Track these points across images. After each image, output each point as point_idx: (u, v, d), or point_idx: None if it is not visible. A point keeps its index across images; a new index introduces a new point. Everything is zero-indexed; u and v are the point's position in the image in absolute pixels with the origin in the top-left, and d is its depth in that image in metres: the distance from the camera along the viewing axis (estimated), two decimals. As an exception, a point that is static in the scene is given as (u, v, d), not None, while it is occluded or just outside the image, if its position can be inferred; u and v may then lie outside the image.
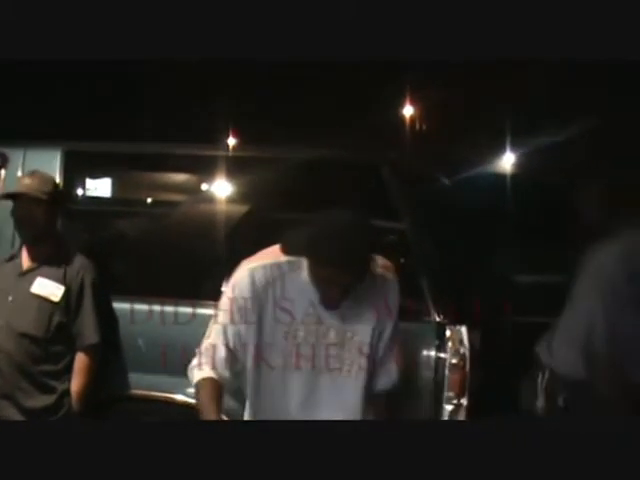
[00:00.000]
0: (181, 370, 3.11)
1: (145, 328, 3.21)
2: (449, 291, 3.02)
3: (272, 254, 2.33)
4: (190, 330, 3.18)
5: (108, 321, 3.15)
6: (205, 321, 3.15)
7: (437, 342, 2.92)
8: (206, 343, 2.33)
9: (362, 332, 2.32)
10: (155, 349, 3.17)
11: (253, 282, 2.26)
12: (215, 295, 3.19)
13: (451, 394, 2.90)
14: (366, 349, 2.33)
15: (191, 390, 3.02)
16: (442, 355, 2.91)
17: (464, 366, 2.91)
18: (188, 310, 3.21)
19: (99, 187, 3.68)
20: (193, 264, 3.26)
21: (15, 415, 2.96)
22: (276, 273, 2.27)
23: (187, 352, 3.13)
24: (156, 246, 3.43)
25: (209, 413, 2.23)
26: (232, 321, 2.28)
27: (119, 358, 3.18)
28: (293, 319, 2.28)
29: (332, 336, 2.30)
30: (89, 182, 3.65)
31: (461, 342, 2.92)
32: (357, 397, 2.34)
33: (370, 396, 2.38)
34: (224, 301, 2.32)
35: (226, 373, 2.30)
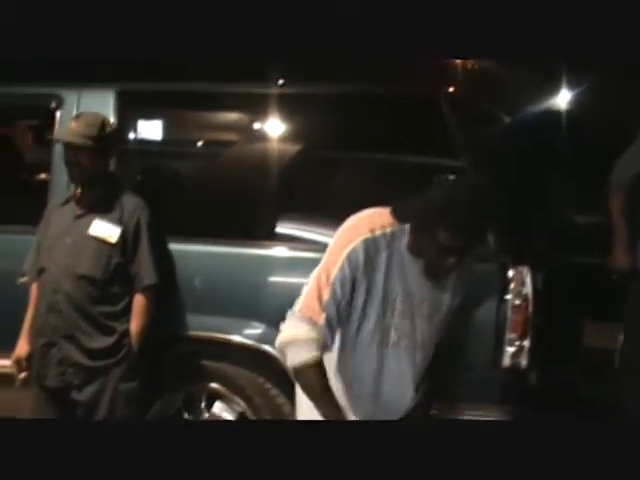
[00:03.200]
0: (236, 311, 3.07)
1: (200, 269, 3.10)
2: (511, 232, 2.87)
3: (379, 220, 2.16)
4: (244, 271, 3.09)
5: (165, 262, 3.04)
6: (260, 261, 3.11)
7: (500, 283, 2.77)
8: (306, 311, 2.12)
9: (447, 306, 2.22)
10: (211, 290, 3.08)
11: (368, 255, 2.10)
12: (269, 235, 3.09)
13: (513, 336, 2.77)
14: (445, 324, 2.24)
15: (248, 331, 3.00)
16: (505, 296, 2.77)
17: (527, 307, 2.76)
18: (242, 250, 3.11)
19: (153, 127, 3.49)
20: (246, 204, 3.11)
21: (77, 356, 2.88)
22: (384, 244, 2.12)
23: (242, 293, 3.08)
24: (210, 186, 3.33)
25: (328, 401, 2.11)
26: (339, 296, 2.11)
27: (176, 299, 3.07)
28: (394, 292, 2.14)
29: (423, 309, 2.19)
30: (142, 122, 3.46)
31: (524, 283, 2.77)
32: (427, 366, 2.26)
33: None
34: (335, 272, 2.11)
35: (324, 351, 2.12)
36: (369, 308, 2.14)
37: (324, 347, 2.11)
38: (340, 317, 2.12)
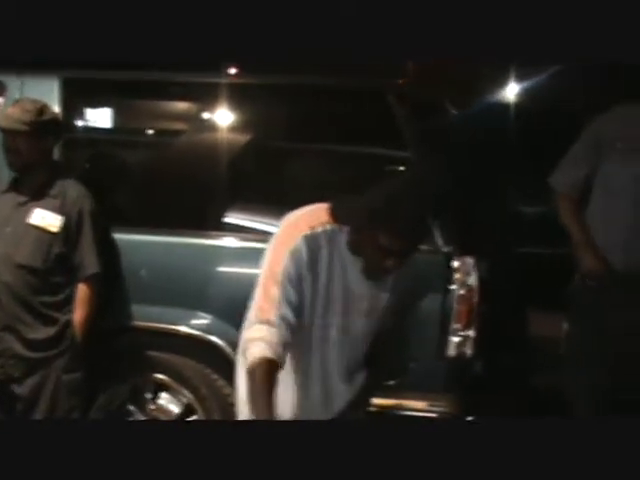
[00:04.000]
0: (184, 301, 3.04)
1: (148, 259, 3.07)
2: (457, 222, 2.88)
3: (318, 216, 2.10)
4: (193, 261, 3.06)
5: (109, 251, 3.00)
6: (208, 252, 3.08)
7: (444, 273, 2.78)
8: (261, 314, 2.06)
9: (387, 302, 2.18)
10: (158, 280, 3.04)
11: (310, 252, 2.05)
12: (217, 225, 3.05)
13: (458, 325, 2.79)
14: (386, 319, 2.20)
15: (195, 321, 2.97)
16: (449, 286, 2.78)
17: (471, 298, 2.78)
18: (191, 241, 3.09)
19: (99, 116, 3.42)
20: (195, 194, 3.09)
21: (17, 347, 2.83)
22: (324, 241, 2.07)
23: (190, 283, 3.04)
24: (158, 175, 3.27)
25: (264, 404, 1.98)
26: (289, 292, 2.05)
27: (121, 289, 3.04)
28: (335, 290, 2.10)
29: (362, 307, 2.14)
30: (89, 110, 3.40)
31: (468, 273, 2.79)
32: (366, 360, 2.23)
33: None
34: (280, 270, 2.05)
35: (283, 350, 2.05)
36: (313, 306, 2.11)
37: (282, 346, 2.04)
38: (294, 314, 2.07)
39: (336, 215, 2.08)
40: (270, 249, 2.10)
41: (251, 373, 1.99)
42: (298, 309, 2.07)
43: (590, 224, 2.83)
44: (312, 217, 2.10)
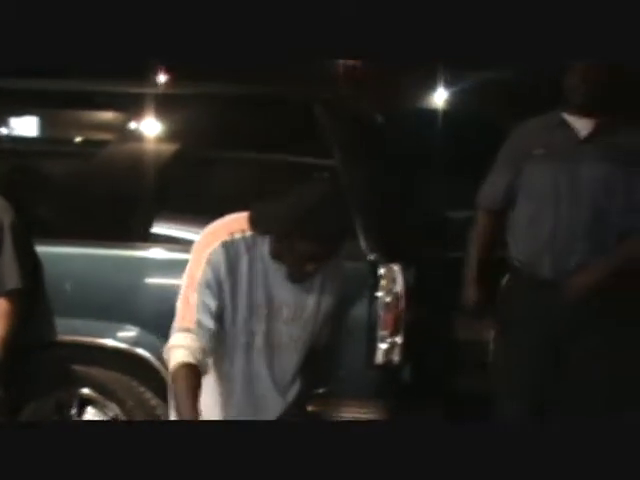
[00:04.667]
0: (110, 314, 2.99)
1: (73, 271, 3.04)
2: (382, 229, 2.91)
3: (237, 224, 2.11)
4: (118, 273, 3.02)
5: (31, 265, 2.89)
6: (134, 263, 3.04)
7: (370, 281, 2.81)
8: (182, 323, 2.07)
9: (312, 309, 2.19)
10: (83, 293, 3.01)
11: (228, 258, 2.06)
12: (143, 236, 3.02)
13: (385, 333, 2.82)
14: (312, 327, 2.20)
15: (121, 334, 2.94)
16: (375, 294, 2.81)
17: (398, 304, 2.82)
18: (116, 252, 3.06)
19: (22, 125, 3.36)
20: (120, 204, 3.05)
21: None
22: (244, 248, 2.08)
23: (116, 295, 3.00)
24: (83, 186, 3.23)
25: (187, 406, 1.99)
26: (207, 299, 2.05)
27: (44, 303, 2.92)
28: (258, 296, 2.11)
29: (285, 313, 2.15)
30: (11, 120, 3.33)
31: (394, 280, 2.82)
32: (295, 368, 2.23)
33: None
34: (198, 277, 2.06)
35: (204, 356, 2.06)
36: (235, 312, 2.11)
37: (202, 352, 2.05)
38: (212, 320, 2.07)
39: (256, 222, 2.08)
40: (191, 257, 2.10)
41: (173, 379, 2.02)
42: (217, 315, 2.06)
43: (515, 230, 2.87)
44: (232, 224, 2.11)
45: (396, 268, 2.81)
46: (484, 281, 2.89)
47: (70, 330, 2.95)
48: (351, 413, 2.85)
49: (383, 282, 2.79)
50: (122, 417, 3.01)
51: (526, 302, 2.81)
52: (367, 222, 2.83)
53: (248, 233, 2.09)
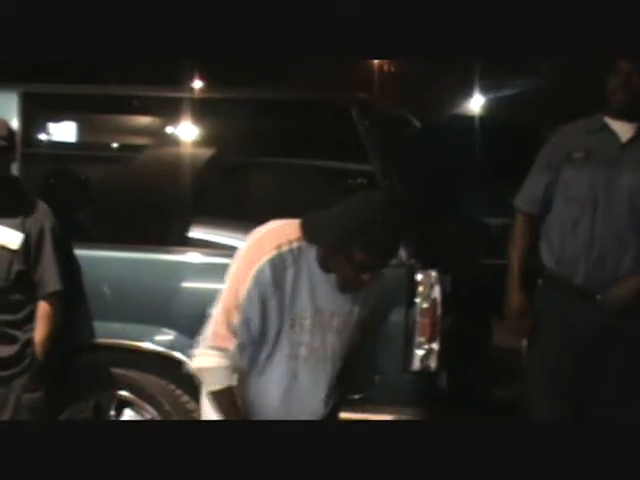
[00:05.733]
0: (147, 318, 3.00)
1: (111, 275, 3.03)
2: (420, 235, 2.87)
3: (284, 234, 2.09)
4: (156, 277, 3.03)
5: (70, 268, 2.96)
6: (171, 267, 3.04)
7: (408, 287, 2.78)
8: (218, 341, 2.06)
9: (356, 318, 2.18)
10: (121, 297, 3.01)
11: (275, 274, 2.03)
12: (180, 240, 3.03)
13: (422, 339, 2.79)
14: (355, 335, 2.20)
15: (158, 337, 2.94)
16: (413, 300, 2.78)
17: (435, 311, 2.79)
18: (154, 256, 3.06)
19: (60, 131, 3.39)
20: (158, 209, 3.05)
21: None
22: (290, 260, 2.06)
23: (153, 299, 3.01)
24: (121, 191, 3.23)
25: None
26: (249, 317, 2.04)
27: (83, 306, 3.00)
28: (303, 307, 2.09)
29: (336, 323, 2.14)
30: (50, 125, 3.36)
31: (432, 287, 2.79)
32: (337, 377, 2.22)
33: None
34: (242, 295, 2.04)
35: (238, 374, 2.08)
36: (279, 326, 2.09)
37: (237, 372, 2.08)
38: (252, 340, 2.07)
39: (306, 233, 2.06)
40: (234, 268, 2.07)
41: (213, 402, 2.06)
42: (259, 333, 2.06)
43: (550, 235, 2.83)
44: (279, 235, 2.08)
45: (434, 274, 2.78)
46: (525, 287, 2.84)
47: (108, 333, 2.98)
48: (386, 420, 2.79)
49: (420, 288, 2.77)
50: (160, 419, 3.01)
51: (560, 309, 2.77)
52: (406, 229, 2.81)
53: (295, 244, 2.06)
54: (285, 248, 2.05)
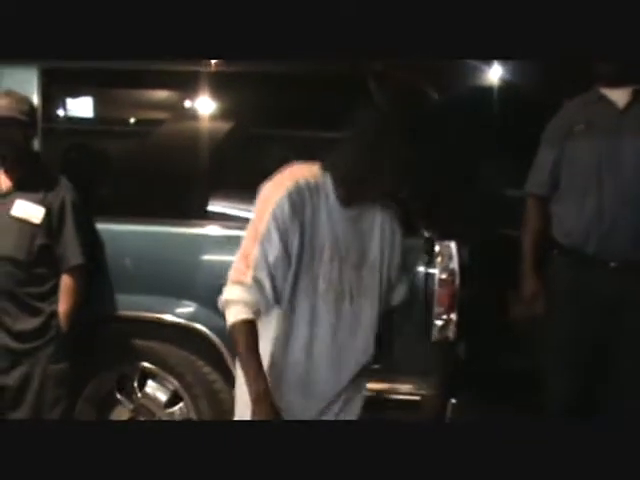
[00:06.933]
0: (168, 290, 3.04)
1: (132, 249, 3.08)
2: (438, 206, 2.92)
3: (301, 171, 2.16)
4: (176, 250, 3.06)
5: (92, 242, 3.01)
6: (191, 240, 3.07)
7: (426, 257, 2.81)
8: (239, 276, 2.09)
9: (377, 256, 2.22)
10: (142, 270, 3.05)
11: (293, 207, 2.08)
12: (199, 214, 3.05)
13: (441, 309, 2.81)
14: (379, 276, 2.22)
15: (179, 309, 2.99)
16: (431, 270, 2.81)
17: (453, 281, 2.80)
18: (174, 229, 3.08)
19: (79, 105, 3.40)
20: (177, 182, 3.07)
21: (4, 338, 2.85)
22: (308, 194, 2.11)
23: (174, 272, 3.04)
24: (140, 165, 3.22)
25: (251, 359, 2.05)
26: (270, 254, 2.07)
27: (105, 279, 3.04)
28: (321, 239, 2.13)
29: (352, 257, 2.18)
30: (68, 101, 3.37)
31: (450, 257, 2.81)
32: (374, 318, 2.24)
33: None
34: (262, 230, 2.09)
35: (258, 308, 2.10)
36: (299, 258, 2.11)
37: (256, 306, 2.09)
38: (272, 275, 2.08)
39: (323, 164, 2.13)
40: (255, 208, 2.13)
41: (233, 334, 2.07)
42: (279, 265, 2.08)
43: (560, 208, 2.85)
44: (296, 173, 2.14)
45: (452, 245, 2.80)
46: (538, 271, 2.88)
47: (130, 306, 3.03)
48: (405, 389, 2.86)
49: (439, 259, 2.79)
50: (182, 391, 3.06)
51: (572, 279, 2.80)
52: (424, 200, 2.82)
53: (312, 179, 2.12)
54: (302, 182, 2.10)
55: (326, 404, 2.21)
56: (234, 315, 2.07)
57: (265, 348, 2.12)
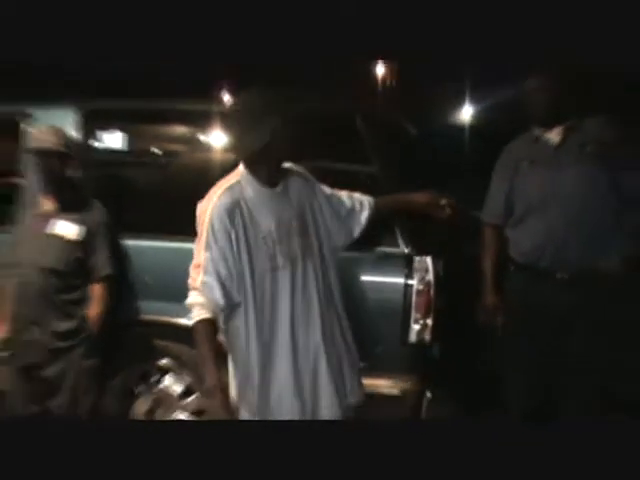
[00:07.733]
0: (182, 298, 3.31)
1: (153, 262, 3.31)
2: (416, 227, 3.09)
3: (225, 179, 2.32)
4: (190, 263, 3.36)
5: (120, 256, 3.25)
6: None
7: (406, 271, 2.99)
8: (192, 283, 2.25)
9: (312, 223, 2.34)
10: (161, 280, 3.27)
11: (229, 205, 2.22)
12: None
13: (418, 315, 2.98)
14: (318, 238, 2.36)
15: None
16: (410, 282, 2.97)
17: (429, 291, 2.98)
18: (188, 245, 3.21)
19: (111, 140, 3.75)
20: (192, 205, 3.33)
21: (45, 338, 3.06)
22: (237, 193, 2.25)
23: (187, 282, 3.36)
24: (162, 190, 3.48)
25: (206, 356, 2.20)
26: (216, 254, 2.23)
27: (130, 288, 3.26)
28: (269, 223, 2.27)
29: (294, 225, 2.30)
30: (103, 135, 3.72)
31: (426, 270, 2.99)
32: (334, 272, 2.39)
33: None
34: (204, 236, 2.25)
35: (222, 307, 2.24)
36: (252, 247, 2.23)
37: (210, 307, 2.22)
38: (220, 276, 2.21)
39: (244, 166, 2.28)
40: (197, 222, 2.28)
41: (193, 334, 2.22)
42: (225, 266, 2.19)
43: (515, 232, 3.03)
44: (220, 183, 2.29)
45: (428, 260, 2.98)
46: (497, 287, 3.06)
47: (150, 311, 3.24)
48: (386, 385, 3.04)
49: (417, 272, 2.96)
50: (194, 385, 3.25)
51: (525, 291, 2.97)
52: (403, 220, 3.03)
53: (234, 179, 2.26)
54: (227, 185, 2.25)
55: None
56: (193, 317, 2.21)
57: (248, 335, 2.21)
